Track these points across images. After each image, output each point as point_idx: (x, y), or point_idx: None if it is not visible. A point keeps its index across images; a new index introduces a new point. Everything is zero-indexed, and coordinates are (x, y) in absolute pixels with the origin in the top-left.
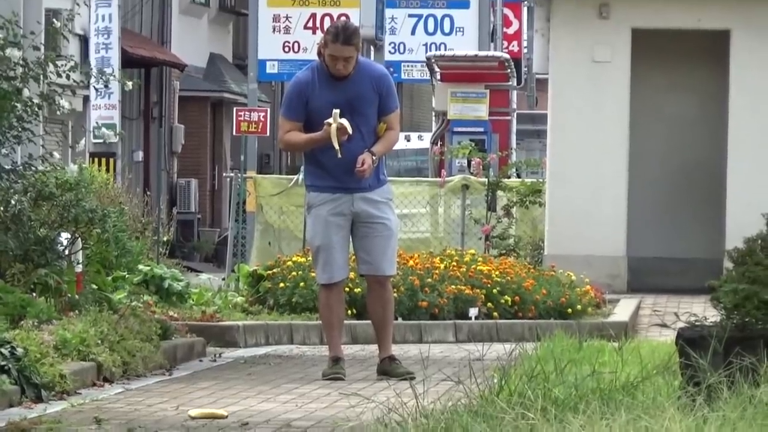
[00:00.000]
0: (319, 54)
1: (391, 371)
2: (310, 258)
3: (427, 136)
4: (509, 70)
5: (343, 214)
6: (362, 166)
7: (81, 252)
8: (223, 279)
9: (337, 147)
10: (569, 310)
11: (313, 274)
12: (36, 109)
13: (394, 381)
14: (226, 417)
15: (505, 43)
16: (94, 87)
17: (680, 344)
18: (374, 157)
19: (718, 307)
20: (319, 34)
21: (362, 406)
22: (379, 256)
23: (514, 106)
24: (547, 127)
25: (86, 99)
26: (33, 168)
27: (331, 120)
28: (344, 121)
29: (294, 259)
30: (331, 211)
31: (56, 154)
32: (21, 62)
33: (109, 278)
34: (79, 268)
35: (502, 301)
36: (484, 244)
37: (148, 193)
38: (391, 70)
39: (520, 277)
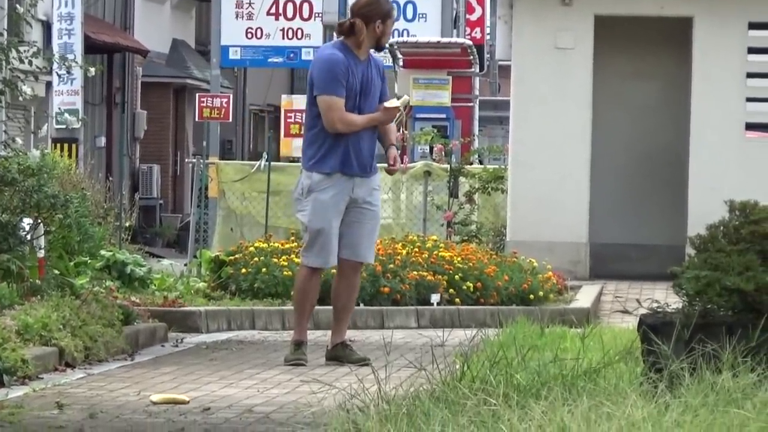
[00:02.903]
0: (347, 33)
1: (345, 357)
2: (272, 244)
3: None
4: (472, 57)
5: (344, 198)
6: (394, 164)
7: (43, 237)
8: (185, 264)
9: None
10: (531, 297)
11: (275, 260)
12: None
13: (355, 367)
14: (188, 402)
15: (468, 30)
16: (56, 73)
17: (642, 331)
18: (398, 150)
19: (680, 294)
20: (282, 20)
21: (324, 391)
22: (365, 242)
23: (477, 92)
24: (509, 114)
25: (49, 85)
26: None
27: (397, 103)
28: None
29: (256, 244)
30: (335, 195)
31: (19, 140)
32: None
33: (72, 263)
34: (41, 254)
35: (464, 287)
36: (446, 231)
37: (111, 178)
38: None
39: (482, 264)
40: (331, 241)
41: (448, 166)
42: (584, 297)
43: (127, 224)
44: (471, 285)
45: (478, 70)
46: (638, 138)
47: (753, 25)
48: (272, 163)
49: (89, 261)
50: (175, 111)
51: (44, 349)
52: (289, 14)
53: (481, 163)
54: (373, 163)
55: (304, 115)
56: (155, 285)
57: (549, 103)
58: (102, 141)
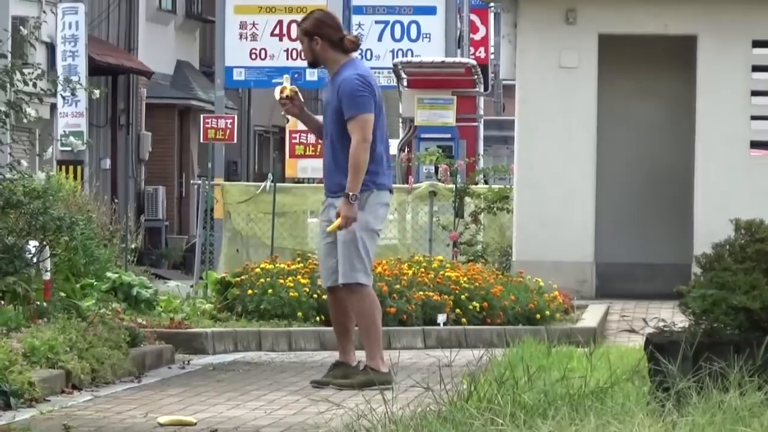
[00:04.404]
0: None
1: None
2: (278, 265)
3: (394, 143)
4: (476, 76)
5: (324, 220)
6: (338, 221)
7: (49, 260)
8: (192, 286)
9: (281, 112)
10: (537, 316)
11: (281, 281)
12: (3, 118)
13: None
14: (195, 424)
15: (472, 49)
16: (61, 95)
17: (649, 350)
18: (352, 201)
19: (686, 313)
20: (286, 41)
21: (331, 412)
22: (338, 262)
23: (482, 112)
24: (514, 133)
25: (53, 107)
26: (0, 176)
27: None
28: (287, 86)
29: (262, 265)
30: (321, 216)
31: (24, 162)
32: None
33: (78, 286)
34: (47, 276)
35: (471, 307)
36: (452, 251)
37: (116, 200)
38: None
39: (489, 284)
40: (321, 262)
41: (454, 186)
42: (591, 316)
43: (133, 246)
44: (477, 305)
45: (482, 90)
46: (643, 157)
47: (757, 43)
48: (277, 185)
49: (95, 283)
50: (179, 132)
51: (51, 372)
52: (294, 35)
53: (486, 182)
54: (339, 183)
55: None
56: (161, 307)
57: (554, 122)
58: (107, 163)
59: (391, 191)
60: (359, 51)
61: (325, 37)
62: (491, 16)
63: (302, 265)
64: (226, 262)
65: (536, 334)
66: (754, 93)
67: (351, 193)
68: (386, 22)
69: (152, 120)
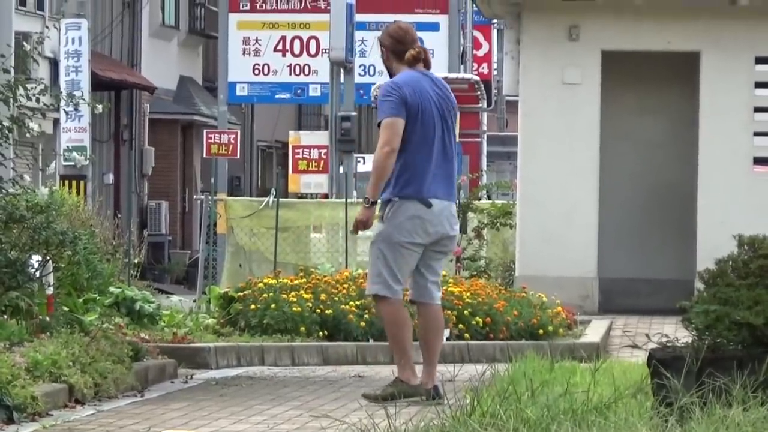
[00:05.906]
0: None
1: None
2: (281, 280)
3: None
4: (479, 92)
5: None
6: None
7: (52, 274)
8: (194, 301)
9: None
10: (540, 332)
11: (284, 296)
12: (6, 132)
13: (365, 402)
14: None
15: (475, 65)
16: (64, 110)
17: (653, 365)
18: (365, 204)
19: (689, 328)
20: (289, 57)
21: (334, 427)
22: None
23: (485, 128)
24: (517, 149)
25: (56, 122)
26: (3, 191)
27: None
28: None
29: (265, 280)
30: None
31: (27, 177)
32: None
33: (81, 300)
34: (50, 291)
35: (474, 322)
36: (455, 266)
37: (119, 215)
38: (362, 92)
39: (492, 299)
40: None
41: (457, 201)
42: (594, 332)
43: (136, 261)
44: (480, 320)
45: (485, 106)
46: (646, 172)
47: (760, 60)
48: (280, 200)
49: (98, 298)
50: (182, 147)
51: (54, 386)
52: (296, 50)
53: (489, 198)
54: (386, 191)
55: (450, 145)
56: (164, 321)
57: (557, 138)
58: (110, 178)
59: (423, 201)
60: (361, 66)
61: (390, 49)
62: (494, 33)
63: (305, 280)
64: (228, 277)
65: (539, 349)
66: (757, 109)
67: (365, 197)
68: None
69: (155, 135)
